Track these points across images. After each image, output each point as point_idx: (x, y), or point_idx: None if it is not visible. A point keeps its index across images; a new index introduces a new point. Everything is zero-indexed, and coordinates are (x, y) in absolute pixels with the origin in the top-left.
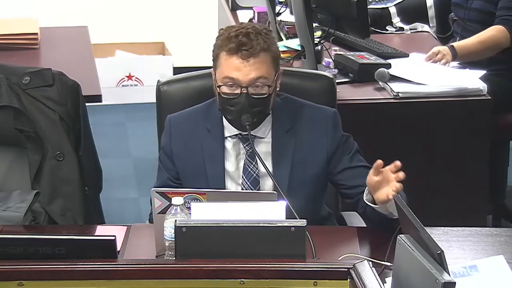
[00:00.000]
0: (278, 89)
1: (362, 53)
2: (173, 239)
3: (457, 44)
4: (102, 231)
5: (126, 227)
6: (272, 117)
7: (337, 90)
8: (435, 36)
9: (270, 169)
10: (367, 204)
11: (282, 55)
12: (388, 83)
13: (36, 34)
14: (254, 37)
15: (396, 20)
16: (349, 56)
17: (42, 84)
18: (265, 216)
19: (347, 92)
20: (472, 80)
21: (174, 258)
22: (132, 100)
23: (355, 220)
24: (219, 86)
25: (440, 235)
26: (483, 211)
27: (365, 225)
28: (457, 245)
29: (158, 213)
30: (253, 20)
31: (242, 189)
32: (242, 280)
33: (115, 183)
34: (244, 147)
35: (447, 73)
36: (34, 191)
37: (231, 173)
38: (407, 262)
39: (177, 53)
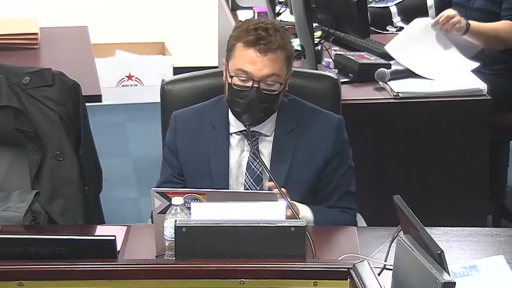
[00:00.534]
0: (286, 88)
1: (362, 53)
2: (173, 239)
3: (471, 22)
4: (102, 231)
5: (126, 227)
6: (277, 116)
7: None
8: None
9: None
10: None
11: None
12: (388, 83)
13: (36, 34)
14: (273, 32)
15: (396, 19)
16: (349, 56)
17: (42, 84)
18: (265, 216)
19: (347, 92)
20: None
21: (174, 258)
22: (132, 100)
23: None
24: (231, 77)
25: (440, 235)
26: (483, 211)
27: (365, 225)
28: (457, 245)
29: (158, 213)
30: None
31: (245, 185)
32: (242, 280)
33: (115, 183)
34: (249, 144)
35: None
36: (34, 191)
37: (235, 170)
38: (407, 262)
39: (177, 53)
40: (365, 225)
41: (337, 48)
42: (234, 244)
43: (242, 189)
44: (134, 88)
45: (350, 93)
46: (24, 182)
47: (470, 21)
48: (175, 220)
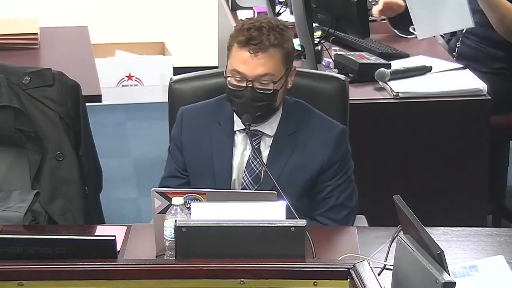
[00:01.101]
0: (290, 85)
1: (362, 53)
2: (173, 239)
3: None
4: (102, 231)
5: (126, 227)
6: (281, 118)
7: None
8: (442, 35)
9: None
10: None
11: None
12: (388, 83)
13: (36, 34)
14: (266, 32)
15: None
16: (349, 56)
17: (42, 84)
18: (265, 216)
19: None
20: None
21: (174, 258)
22: (132, 100)
23: (358, 221)
24: (227, 77)
25: (440, 235)
26: (483, 211)
27: (365, 225)
28: (457, 245)
29: (158, 213)
30: None
31: (243, 184)
32: (242, 280)
33: (115, 183)
34: (250, 143)
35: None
36: (34, 191)
37: (236, 168)
38: (407, 262)
39: (177, 53)
40: (366, 225)
41: (337, 48)
42: (234, 244)
43: (240, 188)
44: (134, 88)
45: (350, 93)
46: (24, 182)
47: None
48: (175, 220)
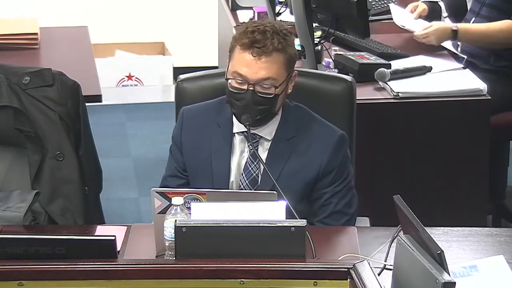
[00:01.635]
0: (290, 91)
1: (362, 53)
2: (173, 239)
3: (462, 28)
4: (102, 231)
5: (126, 227)
6: (280, 122)
7: None
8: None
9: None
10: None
11: None
12: (388, 83)
13: (36, 34)
14: (270, 35)
15: (445, 15)
16: (349, 56)
17: (42, 84)
18: (265, 216)
19: None
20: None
21: (174, 258)
22: (132, 100)
23: (360, 222)
24: (228, 79)
25: (440, 235)
26: (483, 211)
27: (365, 225)
28: (457, 245)
29: (158, 213)
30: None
31: (240, 186)
32: (242, 280)
33: (115, 183)
34: (248, 146)
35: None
36: (34, 191)
37: (233, 170)
38: (407, 262)
39: (177, 53)
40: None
41: (337, 48)
42: (234, 244)
43: (238, 190)
44: (134, 88)
45: None
46: (24, 182)
47: (459, 25)
48: (175, 220)
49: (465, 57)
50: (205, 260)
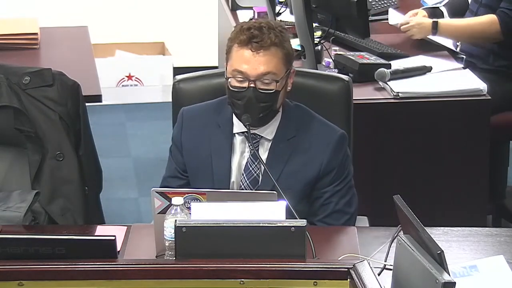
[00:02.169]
0: (289, 88)
1: (362, 53)
2: (173, 239)
3: (442, 21)
4: (102, 231)
5: (126, 227)
6: (280, 122)
7: None
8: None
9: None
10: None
11: None
12: (388, 83)
13: (36, 34)
14: (267, 31)
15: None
16: (349, 56)
17: (42, 84)
18: (265, 216)
19: None
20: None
21: (174, 258)
22: (132, 100)
23: (359, 222)
24: (228, 78)
25: (440, 235)
26: (483, 211)
27: (365, 225)
28: (457, 245)
29: (158, 213)
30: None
31: (241, 186)
32: (242, 280)
33: (115, 183)
34: (249, 146)
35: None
36: (34, 191)
37: (234, 170)
38: (407, 262)
39: (177, 53)
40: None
41: (337, 48)
42: (234, 244)
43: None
44: (134, 88)
45: None
46: (24, 182)
47: (440, 21)
48: (175, 220)
49: (464, 56)
50: (205, 260)
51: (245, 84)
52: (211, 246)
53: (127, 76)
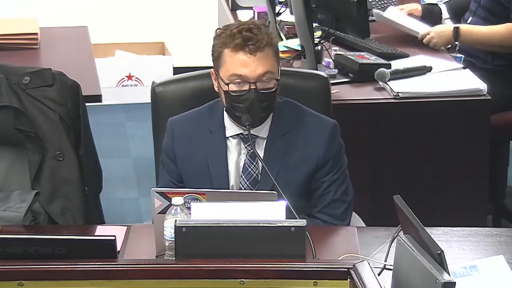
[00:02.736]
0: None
1: (362, 53)
2: (173, 239)
3: (464, 28)
4: (102, 231)
5: (126, 227)
6: (272, 119)
7: (337, 90)
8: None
9: (260, 169)
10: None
11: (282, 55)
12: (388, 83)
13: (36, 34)
14: (257, 31)
15: (445, 17)
16: (349, 56)
17: (42, 84)
18: (265, 216)
19: (347, 92)
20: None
21: (174, 258)
22: (132, 100)
23: (354, 220)
24: (227, 84)
25: (440, 235)
26: (483, 211)
27: (365, 225)
28: (457, 245)
29: (158, 213)
30: None
31: (240, 188)
32: (242, 280)
33: (115, 183)
34: (245, 147)
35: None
36: (34, 191)
37: (232, 173)
38: (407, 262)
39: (177, 53)
40: (363, 224)
41: (337, 48)
42: (234, 244)
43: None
44: (134, 88)
45: (350, 93)
46: (24, 182)
47: (460, 26)
48: (175, 220)
49: (463, 56)
50: (205, 260)
51: (245, 87)
52: (211, 246)
53: (127, 76)
